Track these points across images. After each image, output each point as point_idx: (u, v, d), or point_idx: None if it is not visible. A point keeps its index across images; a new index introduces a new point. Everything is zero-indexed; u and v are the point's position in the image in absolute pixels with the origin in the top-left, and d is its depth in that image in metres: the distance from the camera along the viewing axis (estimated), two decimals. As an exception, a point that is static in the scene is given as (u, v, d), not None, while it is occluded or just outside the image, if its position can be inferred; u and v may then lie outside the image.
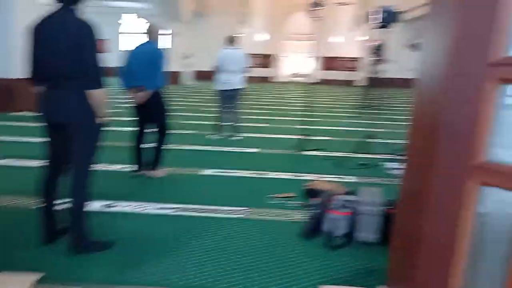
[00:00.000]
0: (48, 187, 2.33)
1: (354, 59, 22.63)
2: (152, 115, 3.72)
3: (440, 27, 1.37)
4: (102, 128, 2.28)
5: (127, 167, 4.01)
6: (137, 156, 3.83)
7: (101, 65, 2.13)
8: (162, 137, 3.79)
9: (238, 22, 22.08)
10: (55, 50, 2.07)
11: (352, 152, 4.70)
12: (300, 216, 3.00)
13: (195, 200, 3.27)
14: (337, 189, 3.19)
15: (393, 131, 4.88)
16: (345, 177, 4.07)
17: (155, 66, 3.56)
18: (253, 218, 2.96)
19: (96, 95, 2.13)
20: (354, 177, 4.09)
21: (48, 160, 2.33)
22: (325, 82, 22.37)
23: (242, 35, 21.84)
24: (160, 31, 3.78)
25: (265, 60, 23.63)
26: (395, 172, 4.19)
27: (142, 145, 3.83)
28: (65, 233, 2.36)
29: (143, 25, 3.33)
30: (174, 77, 16.56)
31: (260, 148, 5.34)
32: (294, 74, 23.68)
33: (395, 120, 6.21)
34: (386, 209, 2.45)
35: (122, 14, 21.97)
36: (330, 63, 23.07)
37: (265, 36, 23.83)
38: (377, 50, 4.57)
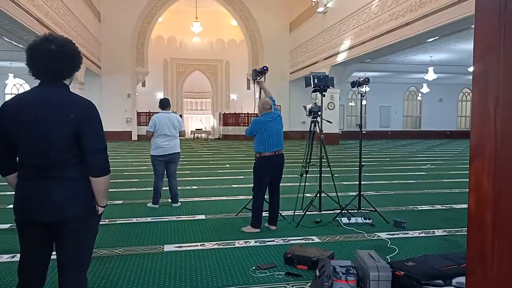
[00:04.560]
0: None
1: (253, 115, 23.78)
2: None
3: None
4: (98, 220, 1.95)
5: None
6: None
7: (106, 147, 1.84)
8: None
9: (134, 81, 21.71)
10: (50, 134, 1.71)
11: (303, 210, 4.77)
12: None
13: (174, 285, 2.91)
14: (323, 253, 3.19)
15: (340, 183, 5.15)
16: (308, 238, 4.09)
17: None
18: (246, 297, 2.75)
19: (102, 182, 1.82)
20: (315, 236, 4.14)
21: (24, 269, 1.86)
22: (224, 137, 22.95)
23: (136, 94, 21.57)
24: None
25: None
26: (351, 227, 4.39)
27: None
28: None
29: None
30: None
31: (206, 214, 5.10)
32: (196, 130, 23.76)
33: (334, 172, 6.44)
34: (393, 272, 2.52)
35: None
36: (229, 119, 23.79)
37: (162, 95, 23.73)
38: (314, 111, 4.98)
